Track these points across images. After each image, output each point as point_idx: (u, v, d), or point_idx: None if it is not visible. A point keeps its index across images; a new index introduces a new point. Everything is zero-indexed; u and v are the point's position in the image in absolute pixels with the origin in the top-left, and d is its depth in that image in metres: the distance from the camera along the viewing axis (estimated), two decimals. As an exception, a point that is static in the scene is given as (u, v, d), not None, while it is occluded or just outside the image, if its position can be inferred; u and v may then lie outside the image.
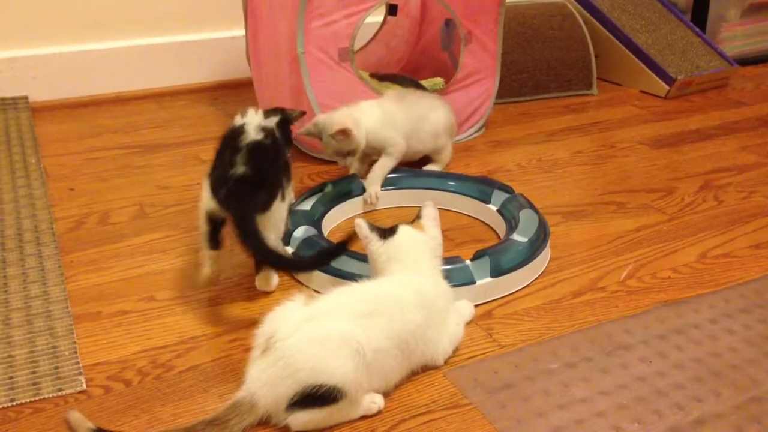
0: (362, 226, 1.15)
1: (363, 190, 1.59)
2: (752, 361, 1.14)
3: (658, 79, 2.36)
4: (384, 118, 1.63)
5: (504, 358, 1.14)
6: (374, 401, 1.01)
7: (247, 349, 1.13)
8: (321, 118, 1.54)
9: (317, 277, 1.28)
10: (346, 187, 1.58)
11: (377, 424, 1.00)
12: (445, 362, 1.11)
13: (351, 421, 1.00)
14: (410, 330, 1.03)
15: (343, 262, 1.26)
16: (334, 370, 0.94)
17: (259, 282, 1.29)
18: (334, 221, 1.53)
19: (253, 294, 1.29)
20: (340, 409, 0.97)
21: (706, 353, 1.15)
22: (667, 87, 2.35)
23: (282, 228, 1.25)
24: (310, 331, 0.97)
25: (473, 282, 1.26)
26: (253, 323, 1.17)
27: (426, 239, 1.17)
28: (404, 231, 1.16)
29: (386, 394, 1.03)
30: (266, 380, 0.96)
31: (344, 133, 1.51)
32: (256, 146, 1.19)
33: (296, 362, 0.94)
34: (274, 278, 1.29)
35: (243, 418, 0.95)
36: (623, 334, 1.20)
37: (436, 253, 1.17)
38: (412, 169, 1.71)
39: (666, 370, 1.11)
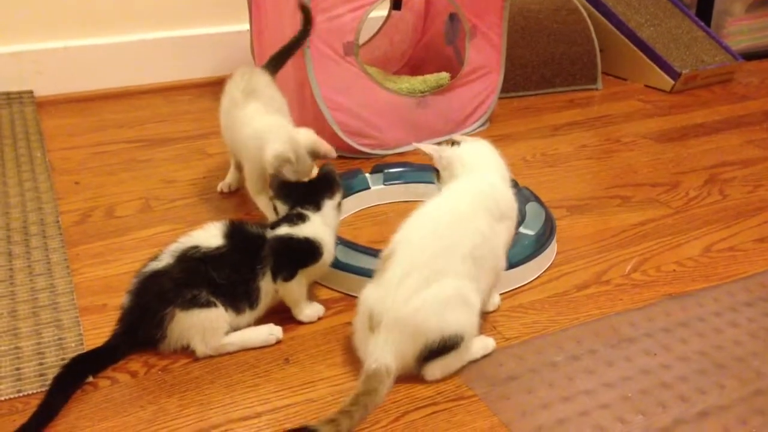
0: (424, 146, 1.19)
1: (367, 186, 1.59)
2: (756, 353, 1.14)
3: (663, 73, 2.36)
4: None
5: (508, 350, 1.14)
6: (486, 345, 1.12)
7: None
8: (289, 142, 1.31)
9: (340, 276, 1.28)
10: (349, 183, 1.58)
11: (381, 416, 1.00)
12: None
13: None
14: (478, 243, 1.06)
15: (356, 258, 1.28)
16: (445, 323, 1.02)
17: None
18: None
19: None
20: (464, 348, 1.05)
21: (710, 346, 1.15)
22: (672, 81, 2.34)
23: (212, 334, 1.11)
24: (406, 299, 1.01)
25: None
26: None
27: (489, 145, 1.20)
28: (470, 140, 1.20)
29: (397, 381, 1.04)
30: (392, 351, 1.01)
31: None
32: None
33: (410, 331, 1.01)
34: None
35: (386, 382, 1.00)
36: (628, 327, 1.20)
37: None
38: (416, 163, 1.71)
39: (670, 362, 1.11)
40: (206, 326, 1.09)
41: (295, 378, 1.08)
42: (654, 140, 1.99)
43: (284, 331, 1.16)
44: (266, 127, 1.38)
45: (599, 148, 1.94)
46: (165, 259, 1.11)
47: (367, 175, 1.61)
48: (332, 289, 1.29)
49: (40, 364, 1.08)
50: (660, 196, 1.67)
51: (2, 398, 1.02)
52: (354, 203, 1.57)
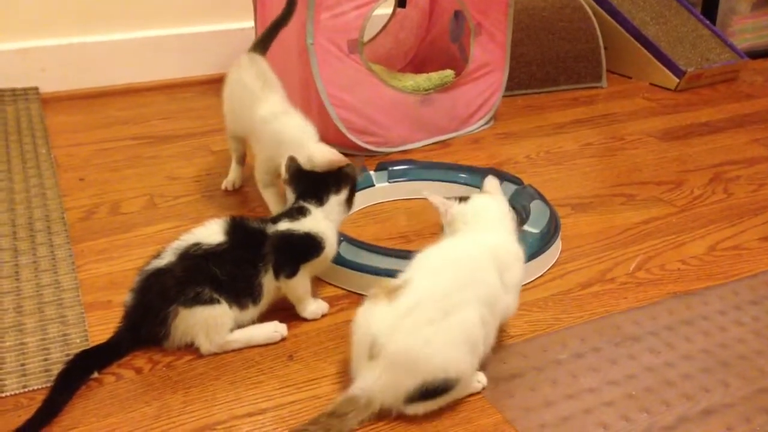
0: (435, 197, 1.14)
1: (371, 183, 1.59)
2: (761, 352, 1.14)
3: (668, 71, 2.35)
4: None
5: (512, 348, 1.14)
6: (479, 380, 1.04)
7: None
8: (306, 163, 1.25)
9: (343, 273, 1.28)
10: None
11: (385, 412, 1.00)
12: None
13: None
14: (492, 291, 1.03)
15: (360, 255, 1.28)
16: (449, 364, 0.96)
17: None
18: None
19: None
20: (455, 392, 0.99)
21: (714, 344, 1.15)
22: (677, 79, 2.34)
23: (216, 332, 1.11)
24: (414, 330, 0.96)
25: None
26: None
27: (500, 201, 1.16)
28: (479, 197, 1.16)
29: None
30: (383, 385, 0.96)
31: None
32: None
33: (411, 365, 0.95)
34: None
35: (360, 413, 0.96)
36: (632, 325, 1.20)
37: (509, 215, 1.16)
38: (420, 161, 1.71)
39: (674, 360, 1.11)
40: (210, 323, 1.09)
41: (299, 375, 1.08)
42: (659, 138, 1.99)
43: (288, 328, 1.16)
44: (287, 133, 1.37)
45: (604, 146, 1.93)
46: (167, 257, 1.11)
47: (372, 172, 1.61)
48: (336, 287, 1.29)
49: (45, 359, 1.09)
50: (664, 194, 1.66)
51: (7, 394, 1.02)
52: (358, 200, 1.56)
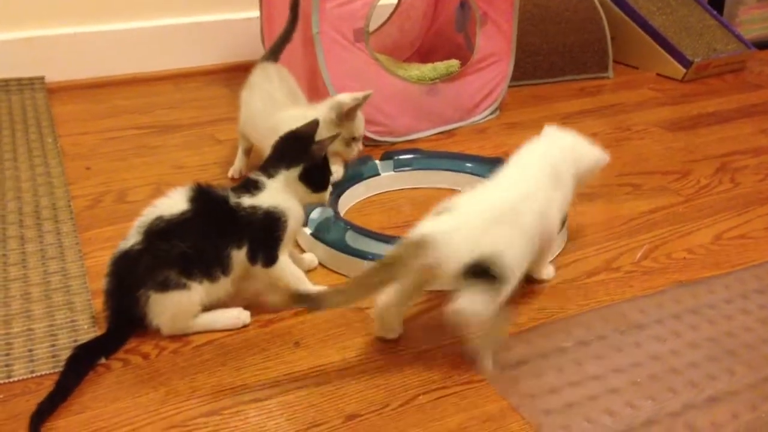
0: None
1: (376, 172, 1.59)
2: (767, 340, 1.13)
3: (674, 61, 2.34)
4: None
5: (517, 335, 1.14)
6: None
7: (264, 324, 1.16)
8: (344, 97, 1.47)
9: (349, 262, 1.28)
10: (358, 169, 1.58)
11: (391, 399, 1.01)
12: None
13: (366, 394, 1.01)
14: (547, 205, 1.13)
15: (366, 243, 1.28)
16: (508, 250, 1.00)
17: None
18: (348, 202, 1.53)
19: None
20: (502, 292, 1.00)
21: (720, 332, 1.15)
22: (683, 70, 2.33)
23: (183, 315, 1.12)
24: (494, 210, 1.04)
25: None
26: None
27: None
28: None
29: (402, 368, 1.05)
30: (449, 230, 1.00)
31: None
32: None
33: (476, 230, 1.00)
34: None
35: (419, 259, 0.98)
36: (637, 314, 1.20)
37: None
38: (426, 150, 1.71)
39: (680, 348, 1.11)
40: (177, 310, 1.09)
41: (305, 361, 1.08)
42: (665, 129, 1.98)
43: (295, 314, 1.17)
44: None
45: (610, 137, 1.93)
46: (132, 237, 1.09)
47: (377, 161, 1.61)
48: (343, 275, 1.29)
49: (53, 345, 1.09)
50: (671, 184, 1.66)
51: (16, 379, 1.03)
52: (364, 189, 1.57)
